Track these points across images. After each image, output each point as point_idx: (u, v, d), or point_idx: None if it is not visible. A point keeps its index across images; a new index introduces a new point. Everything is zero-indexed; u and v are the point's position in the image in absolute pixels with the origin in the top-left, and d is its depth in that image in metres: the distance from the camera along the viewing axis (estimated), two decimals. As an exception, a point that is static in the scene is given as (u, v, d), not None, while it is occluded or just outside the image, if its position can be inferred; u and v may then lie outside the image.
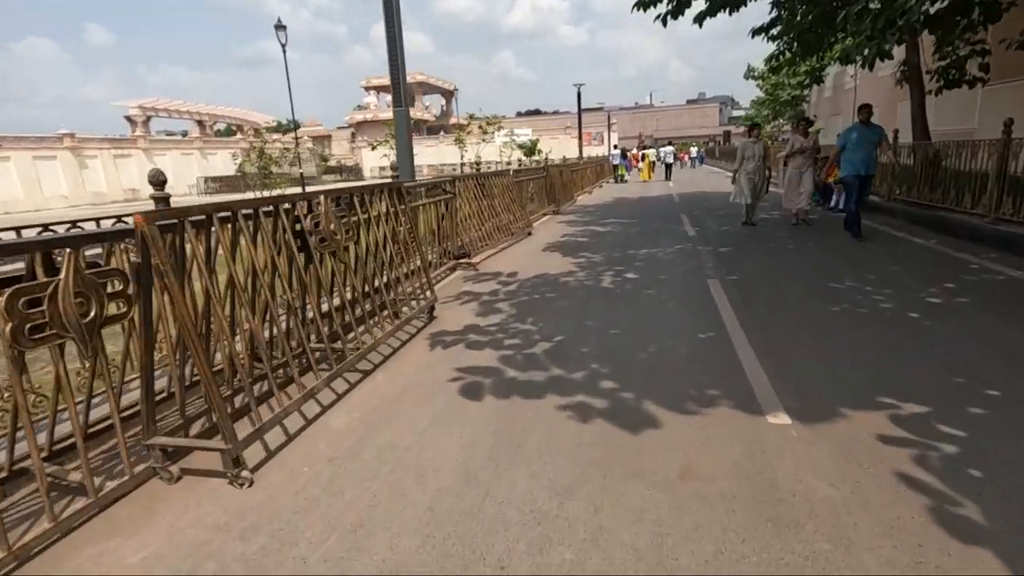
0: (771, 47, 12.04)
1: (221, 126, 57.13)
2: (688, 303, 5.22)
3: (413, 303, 4.89)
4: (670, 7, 9.35)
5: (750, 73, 31.83)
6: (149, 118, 45.81)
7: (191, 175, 43.37)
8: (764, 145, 9.69)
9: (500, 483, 2.45)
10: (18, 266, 2.22)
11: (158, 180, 3.31)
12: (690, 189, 19.34)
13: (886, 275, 5.78)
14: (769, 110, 32.72)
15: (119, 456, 2.50)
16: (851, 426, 2.77)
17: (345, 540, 2.13)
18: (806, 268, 6.43)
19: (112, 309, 2.45)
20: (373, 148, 41.44)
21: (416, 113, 60.77)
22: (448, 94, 70.98)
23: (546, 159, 19.82)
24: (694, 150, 44.21)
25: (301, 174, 22.20)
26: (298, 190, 20.47)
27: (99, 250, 2.67)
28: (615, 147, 33.00)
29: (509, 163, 39.56)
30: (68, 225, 2.99)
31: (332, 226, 3.60)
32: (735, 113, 75.15)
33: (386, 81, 7.52)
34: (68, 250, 2.19)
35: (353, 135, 63.40)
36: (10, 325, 1.99)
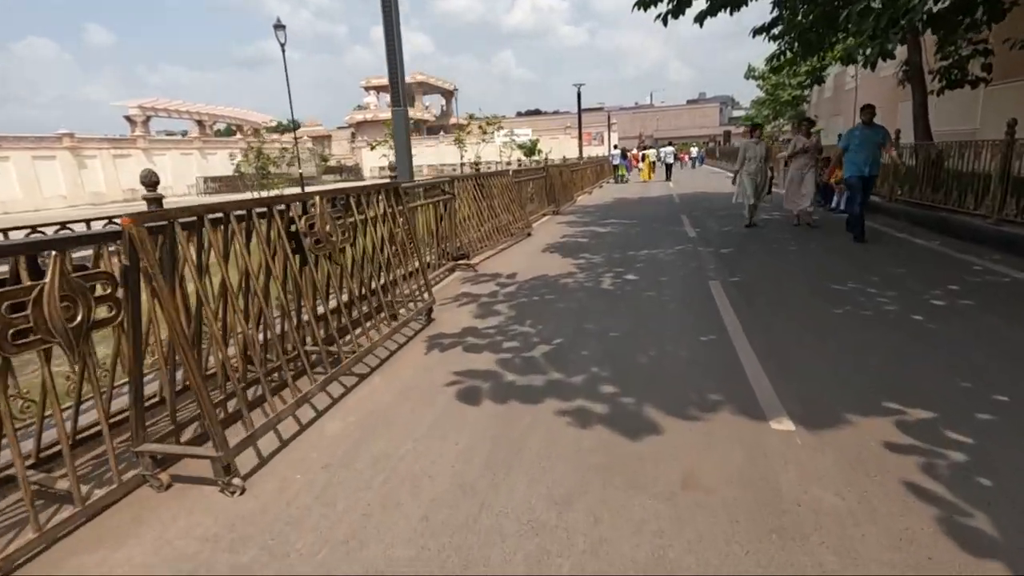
0: (772, 47, 11.98)
1: (221, 126, 57.09)
2: (689, 305, 5.16)
3: (411, 305, 4.83)
4: (670, 6, 9.28)
5: (750, 73, 31.77)
6: (149, 118, 45.77)
7: (190, 175, 43.33)
8: (766, 146, 9.61)
9: (497, 492, 2.39)
10: (1, 269, 2.16)
11: (150, 181, 3.26)
12: (690, 189, 19.28)
13: (889, 277, 5.73)
14: (770, 110, 32.66)
15: (109, 463, 2.44)
16: (856, 432, 2.71)
17: (337, 552, 2.07)
18: (808, 269, 6.37)
19: (103, 312, 2.40)
20: (372, 148, 41.41)
21: (416, 113, 60.76)
22: (448, 94, 70.94)
23: (546, 159, 19.78)
24: (694, 150, 44.14)
25: (300, 174, 22.14)
26: (297, 190, 20.43)
27: (90, 252, 2.62)
28: (615, 147, 32.96)
29: (509, 163, 39.53)
30: (57, 227, 2.94)
31: (328, 228, 3.54)
32: (735, 113, 75.12)
33: (386, 81, 7.46)
34: (54, 253, 2.13)
35: (353, 135, 63.36)
36: (-8, 330, 1.94)
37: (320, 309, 3.68)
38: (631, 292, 5.73)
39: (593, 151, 43.45)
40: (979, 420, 2.78)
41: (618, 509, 2.24)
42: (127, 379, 2.83)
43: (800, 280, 5.91)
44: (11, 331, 2.00)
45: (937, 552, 1.91)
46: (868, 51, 7.99)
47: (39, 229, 2.80)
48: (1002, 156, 7.23)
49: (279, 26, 20.04)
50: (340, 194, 3.91)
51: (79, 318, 2.22)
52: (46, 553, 2.14)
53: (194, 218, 2.53)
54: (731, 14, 9.75)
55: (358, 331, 3.98)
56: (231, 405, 3.16)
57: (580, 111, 33.61)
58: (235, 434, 2.71)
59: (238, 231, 2.81)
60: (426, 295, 5.02)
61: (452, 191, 7.16)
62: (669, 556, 1.96)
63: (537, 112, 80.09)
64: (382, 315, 4.25)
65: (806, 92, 29.06)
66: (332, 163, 56.26)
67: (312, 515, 2.31)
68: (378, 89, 58.81)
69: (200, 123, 50.09)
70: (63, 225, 2.97)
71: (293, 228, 3.31)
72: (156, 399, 3.04)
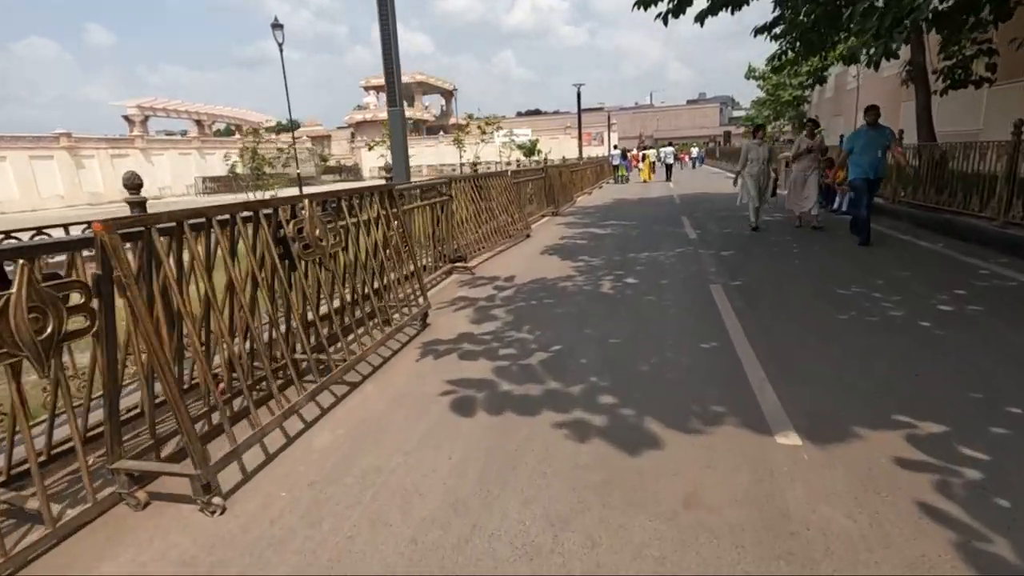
0: (773, 47, 11.87)
1: (220, 126, 56.98)
2: (690, 310, 5.05)
3: (405, 310, 4.71)
4: (671, 5, 9.16)
5: (751, 73, 31.65)
6: (147, 118, 45.67)
7: (189, 175, 43.25)
8: (769, 147, 9.48)
9: (490, 512, 2.28)
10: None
11: (133, 184, 3.14)
12: (691, 190, 19.17)
13: (894, 280, 5.61)
14: (770, 110, 32.53)
15: (83, 480, 2.32)
16: (866, 447, 2.60)
17: (320, 578, 1.96)
18: (811, 272, 6.25)
19: (79, 322, 2.29)
20: (370, 148, 41.31)
21: (416, 113, 60.68)
22: (448, 94, 70.83)
23: (545, 159, 19.66)
24: (694, 150, 44.02)
25: (298, 174, 22.02)
26: (295, 190, 20.29)
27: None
28: (615, 147, 32.85)
29: (509, 163, 39.43)
30: (32, 232, 2.83)
31: (317, 232, 3.42)
32: (735, 113, 74.98)
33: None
34: (20, 262, 2.01)
35: (352, 135, 63.28)
36: (-49, 345, 1.82)
37: (309, 316, 3.56)
38: (631, 296, 5.62)
39: (593, 151, 43.33)
40: (993, 435, 2.66)
41: (617, 531, 2.13)
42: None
43: (803, 283, 5.80)
44: (-26, 345, 1.89)
45: (956, 581, 1.80)
46: (872, 51, 7.87)
47: (12, 235, 2.69)
48: (1008, 157, 7.11)
49: (277, 25, 19.92)
50: (331, 197, 3.79)
51: (49, 330, 2.10)
52: (13, 579, 2.03)
53: (173, 224, 2.42)
54: (732, 13, 9.63)
55: (350, 338, 3.86)
56: (216, 417, 3.05)
57: (580, 111, 33.50)
58: (219, 447, 2.60)
59: (221, 237, 2.69)
60: (421, 300, 4.90)
61: (449, 193, 7.05)
62: (671, 584, 1.85)
63: (537, 112, 79.98)
64: (375, 321, 4.14)
65: (807, 92, 28.94)
66: (331, 163, 56.16)
67: (296, 536, 2.20)
68: (378, 89, 58.68)
69: (199, 123, 50.00)
70: (39, 230, 2.87)
71: (281, 233, 3.20)
72: (137, 410, 2.93)
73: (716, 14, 9.53)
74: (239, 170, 20.27)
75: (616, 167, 26.39)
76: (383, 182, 5.56)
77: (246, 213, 2.89)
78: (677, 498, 2.31)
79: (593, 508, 2.27)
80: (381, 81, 7.33)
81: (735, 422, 2.91)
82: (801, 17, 10.55)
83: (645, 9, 9.12)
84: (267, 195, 17.50)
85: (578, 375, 3.64)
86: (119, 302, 2.32)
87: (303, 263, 3.36)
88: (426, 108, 67.55)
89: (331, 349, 3.66)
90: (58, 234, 2.96)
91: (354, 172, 53.23)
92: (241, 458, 2.70)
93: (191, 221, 2.52)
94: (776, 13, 11.10)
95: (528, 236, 10.00)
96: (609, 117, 54.85)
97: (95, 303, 2.26)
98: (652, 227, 10.61)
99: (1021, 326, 4.14)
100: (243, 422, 2.97)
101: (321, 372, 3.40)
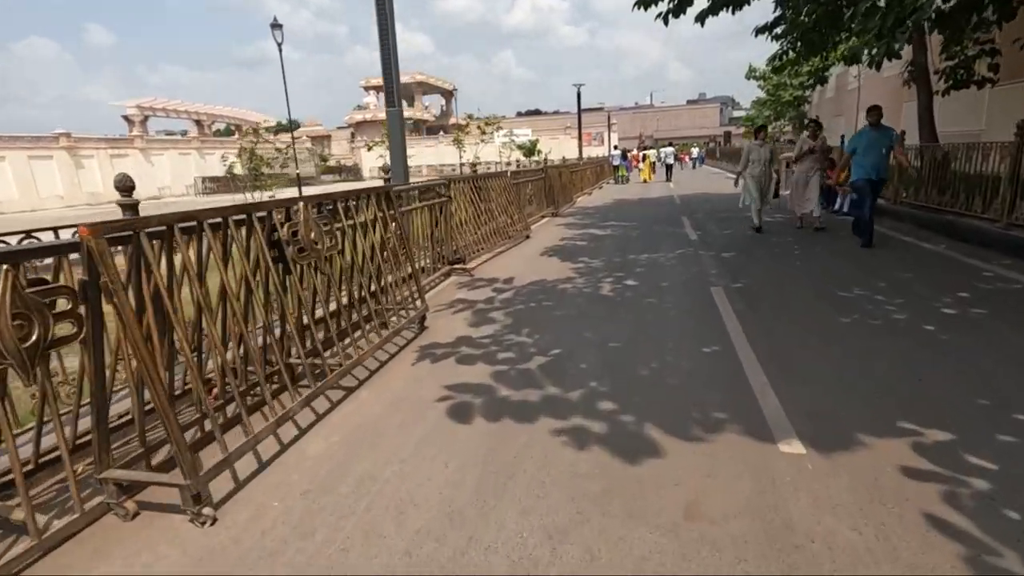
0: (773, 47, 11.80)
1: (221, 126, 56.95)
2: (691, 313, 5.00)
3: (403, 313, 4.66)
4: (671, 5, 9.10)
5: (751, 73, 31.58)
6: (147, 118, 45.63)
7: (189, 175, 43.20)
8: (771, 148, 9.41)
9: (487, 523, 2.23)
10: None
11: (124, 186, 3.08)
12: (691, 190, 19.11)
13: (897, 282, 5.56)
14: (771, 111, 32.47)
15: (71, 490, 2.27)
16: (871, 456, 2.55)
17: (311, 593, 1.91)
18: (813, 274, 6.20)
19: (68, 328, 2.24)
20: (369, 149, 41.24)
21: (416, 113, 60.65)
22: (448, 94, 70.81)
23: (545, 160, 19.58)
24: (695, 151, 43.96)
25: (298, 175, 21.97)
26: (294, 191, 20.22)
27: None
28: (615, 148, 32.78)
29: (509, 163, 39.38)
30: (21, 236, 2.78)
31: (312, 235, 3.37)
32: (736, 114, 74.95)
33: (382, 81, 7.29)
34: (4, 267, 1.96)
35: (353, 135, 63.23)
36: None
37: (305, 319, 3.51)
38: (631, 298, 5.56)
39: (593, 151, 43.29)
40: (1000, 442, 2.61)
41: (616, 543, 2.08)
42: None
43: (804, 285, 5.75)
44: (-45, 353, 1.84)
45: (966, 598, 1.75)
46: (874, 51, 7.81)
47: (2, 239, 2.64)
48: (1012, 158, 7.05)
49: (276, 25, 19.87)
50: (327, 199, 3.74)
51: (34, 337, 2.05)
52: (-4, 593, 1.98)
53: (163, 228, 2.36)
54: (732, 13, 9.57)
55: (346, 342, 3.81)
56: (208, 423, 2.99)
57: (580, 111, 33.45)
58: (212, 453, 2.55)
59: (213, 241, 2.64)
60: (419, 302, 4.85)
61: (448, 194, 6.99)
62: (672, 600, 1.80)
63: (537, 112, 79.94)
64: (371, 325, 4.08)
65: (807, 92, 28.88)
66: (331, 163, 56.11)
67: (288, 548, 2.14)
68: (378, 89, 58.61)
69: (199, 123, 49.96)
70: (28, 234, 2.82)
71: (276, 236, 3.15)
72: (129, 416, 2.88)
73: (716, 14, 9.47)
74: (237, 171, 20.15)
75: (616, 167, 26.33)
76: (382, 183, 5.51)
77: (239, 216, 2.84)
78: (678, 508, 2.25)
79: (592, 519, 2.22)
80: (381, 81, 7.27)
81: (737, 429, 2.86)
82: (802, 17, 10.49)
83: (645, 9, 9.07)
84: (265, 196, 17.43)
85: (577, 380, 3.59)
86: (109, 307, 2.27)
87: (298, 267, 3.30)
88: (426, 108, 67.52)
89: (327, 353, 3.61)
90: (48, 237, 2.92)
91: (354, 172, 53.18)
92: (233, 466, 2.65)
93: (182, 224, 2.47)
94: (777, 13, 11.05)
95: (528, 237, 9.95)
96: (609, 117, 54.81)
97: (82, 309, 2.21)
98: (652, 228, 10.56)
99: (1026, 330, 4.09)
100: (236, 428, 2.91)
101: (316, 377, 3.35)
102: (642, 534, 2.11)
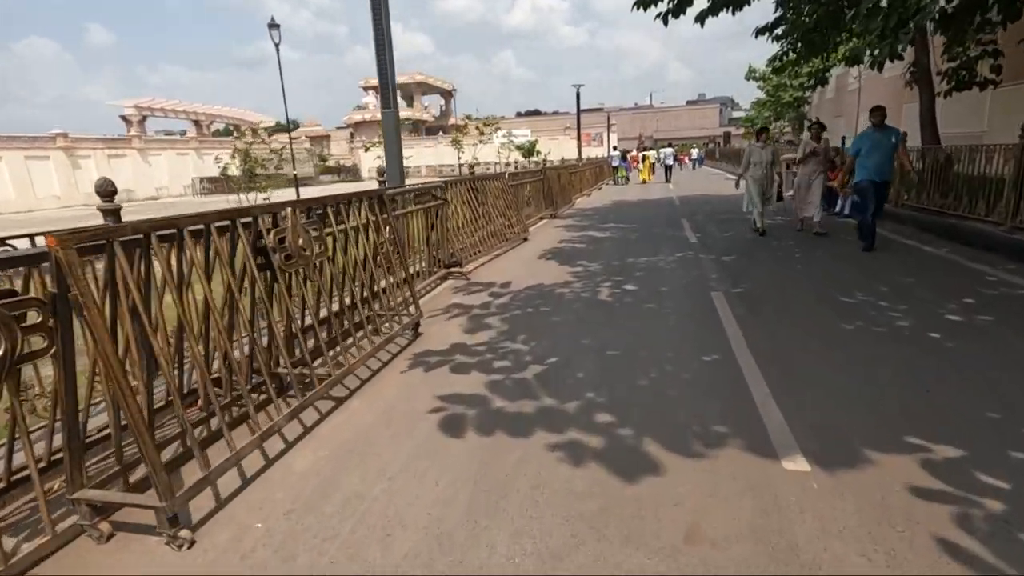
0: (773, 47, 11.73)
1: (219, 126, 56.79)
2: (691, 319, 4.90)
3: (396, 319, 4.56)
4: (671, 5, 9.02)
5: (751, 74, 31.52)
6: (145, 118, 45.49)
7: (186, 175, 43.07)
8: (772, 150, 9.29)
9: (478, 545, 2.13)
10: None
11: (106, 191, 2.97)
12: (691, 192, 19.01)
13: (900, 287, 5.46)
14: (770, 111, 32.40)
15: (40, 511, 2.17)
16: (879, 474, 2.44)
17: (290, 625, 1.81)
18: (815, 279, 6.10)
19: (39, 342, 2.13)
20: (367, 150, 41.10)
21: (415, 113, 60.55)
22: (447, 94, 70.72)
23: (544, 160, 19.47)
24: (694, 151, 43.88)
25: (295, 175, 21.85)
26: (292, 191, 20.08)
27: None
28: (614, 148, 32.70)
29: (508, 164, 39.27)
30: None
31: (300, 241, 3.27)
32: (735, 114, 74.90)
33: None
34: (-33, 280, 1.86)
35: (352, 135, 63.13)
36: None
37: (293, 328, 3.40)
38: (630, 304, 5.46)
39: (592, 152, 43.20)
40: (1014, 460, 2.51)
41: (614, 569, 1.98)
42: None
43: (806, 290, 5.65)
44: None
45: (983, 633, 1.65)
46: (876, 52, 7.71)
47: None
48: (1016, 160, 6.96)
49: (273, 25, 19.76)
50: (317, 204, 3.64)
51: (1, 351, 1.95)
52: (-42, 623, 1.88)
53: (139, 236, 2.26)
54: (732, 13, 9.49)
55: (337, 350, 3.71)
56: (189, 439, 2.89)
57: (579, 112, 33.32)
58: (193, 470, 2.45)
59: (194, 249, 2.54)
60: (413, 308, 4.74)
61: (444, 196, 6.89)
62: (671, 634, 1.70)
63: (536, 112, 79.88)
64: (362, 333, 3.98)
65: (808, 93, 28.79)
66: (330, 164, 55.98)
67: (268, 573, 2.04)
68: (377, 89, 58.56)
69: (197, 123, 49.82)
70: (2, 241, 2.71)
71: (262, 243, 3.04)
72: (106, 431, 2.77)
73: (716, 14, 9.39)
74: (231, 172, 20.00)
75: (616, 168, 26.24)
76: (376, 185, 5.41)
77: (222, 223, 2.73)
78: (678, 531, 2.15)
79: (588, 543, 2.11)
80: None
81: (739, 444, 2.76)
82: (803, 18, 10.41)
83: (645, 9, 8.99)
84: (260, 197, 17.28)
85: (574, 390, 3.49)
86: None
87: (286, 274, 3.20)
88: (425, 108, 67.43)
89: (316, 363, 3.50)
90: (24, 245, 2.81)
91: (353, 172, 53.05)
92: (215, 484, 2.55)
93: (160, 232, 2.36)
94: (778, 13, 10.97)
95: (526, 240, 9.84)
96: (609, 118, 54.73)
97: (52, 322, 2.11)
98: (652, 230, 10.46)
99: (1034, 338, 3.99)
100: (220, 442, 2.81)
101: (305, 387, 3.25)
102: (640, 560, 2.01)
